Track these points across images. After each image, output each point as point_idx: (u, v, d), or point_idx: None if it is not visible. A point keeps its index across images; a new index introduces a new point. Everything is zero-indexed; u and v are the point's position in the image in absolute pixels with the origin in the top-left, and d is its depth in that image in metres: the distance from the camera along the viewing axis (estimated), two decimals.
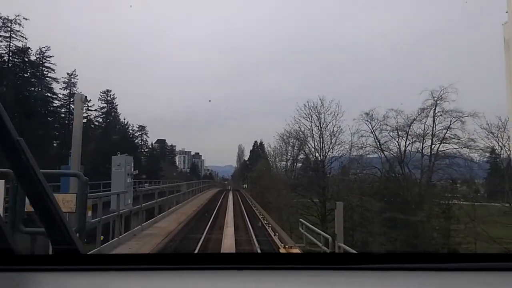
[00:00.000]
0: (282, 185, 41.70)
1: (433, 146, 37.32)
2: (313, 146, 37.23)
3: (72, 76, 64.19)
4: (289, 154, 65.13)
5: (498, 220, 31.92)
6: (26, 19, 48.66)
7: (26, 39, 49.28)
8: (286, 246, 15.95)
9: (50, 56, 55.08)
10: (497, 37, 8.23)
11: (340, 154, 36.47)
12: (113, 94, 74.54)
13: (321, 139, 36.15)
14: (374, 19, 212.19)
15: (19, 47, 49.74)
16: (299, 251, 12.51)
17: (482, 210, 33.76)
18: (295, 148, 50.53)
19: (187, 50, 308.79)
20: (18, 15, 47.83)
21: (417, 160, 38.30)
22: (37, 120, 49.23)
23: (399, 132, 38.11)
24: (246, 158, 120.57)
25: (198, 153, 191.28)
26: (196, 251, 11.04)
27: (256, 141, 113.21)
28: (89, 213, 8.27)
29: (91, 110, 68.45)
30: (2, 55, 49.52)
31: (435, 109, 36.83)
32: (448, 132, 36.82)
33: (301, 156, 44.33)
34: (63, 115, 62.99)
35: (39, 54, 55.97)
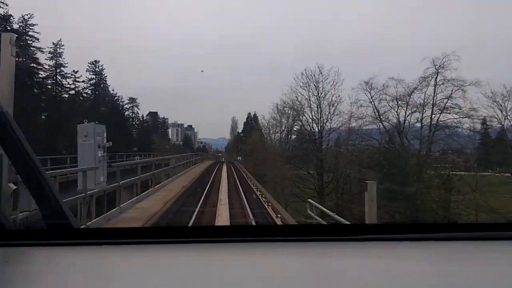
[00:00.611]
0: (277, 157, 39.68)
1: (433, 116, 35.23)
2: (311, 116, 34.82)
3: (58, 46, 60.63)
4: (284, 126, 63.23)
5: (498, 190, 30.63)
6: None
7: (6, 5, 45.97)
8: (279, 216, 14.86)
9: (34, 24, 51.86)
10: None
11: (339, 125, 34.18)
12: (102, 65, 71.03)
13: (319, 109, 33.94)
14: None
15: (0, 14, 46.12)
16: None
17: (482, 181, 32.12)
18: (290, 119, 48.37)
19: (179, 19, 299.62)
20: None
21: (416, 130, 36.36)
22: (23, 92, 46.33)
23: (399, 102, 35.91)
24: (240, 131, 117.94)
25: (191, 125, 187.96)
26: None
27: (249, 113, 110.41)
28: None
29: (78, 82, 65.34)
30: None
31: (436, 77, 34.54)
32: (449, 101, 34.68)
33: (297, 127, 41.87)
34: (49, 87, 60.05)
35: (22, 22, 52.51)
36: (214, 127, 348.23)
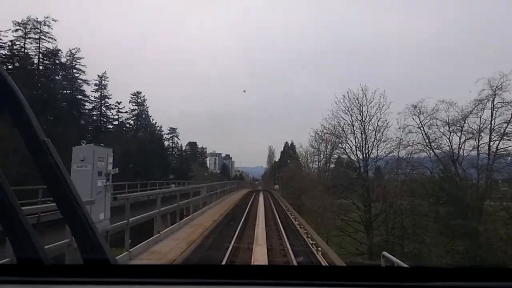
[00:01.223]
0: (317, 185, 36.06)
1: (491, 143, 30.78)
2: (354, 143, 31.29)
3: (103, 78, 61.73)
4: (322, 154, 59.49)
5: None
6: (55, 20, 46.24)
7: (55, 40, 46.85)
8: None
9: (80, 58, 52.59)
10: None
11: (387, 152, 30.34)
12: (143, 96, 71.49)
13: (364, 135, 30.23)
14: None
15: (49, 48, 47.25)
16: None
17: None
18: (329, 147, 44.91)
19: (217, 52, 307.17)
20: (47, 17, 45.53)
21: (472, 158, 31.95)
22: (70, 122, 46.40)
23: (451, 127, 31.82)
24: (277, 159, 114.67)
25: (229, 155, 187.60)
26: None
27: (286, 142, 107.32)
28: None
29: (121, 112, 65.94)
30: (32, 57, 47.06)
31: (493, 100, 30.35)
32: (509, 126, 30.21)
33: (336, 155, 38.13)
34: (95, 118, 60.89)
35: (69, 56, 53.66)
36: (251, 156, 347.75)
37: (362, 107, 30.37)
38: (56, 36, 47.01)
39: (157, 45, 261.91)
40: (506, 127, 29.87)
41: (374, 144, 29.96)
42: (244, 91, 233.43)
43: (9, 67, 42.27)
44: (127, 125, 68.62)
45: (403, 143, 30.40)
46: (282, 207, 31.35)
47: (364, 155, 30.22)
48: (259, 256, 10.29)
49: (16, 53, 44.96)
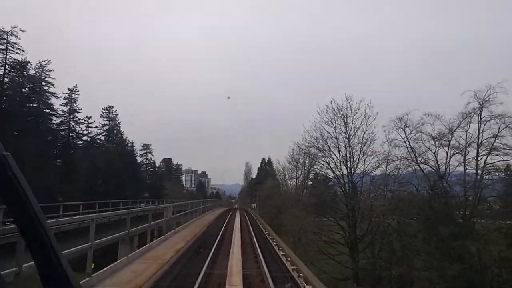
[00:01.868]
0: (297, 204, 32.94)
1: (479, 158, 28.71)
2: (338, 157, 28.24)
3: (73, 92, 57.71)
4: (300, 171, 56.48)
5: None
6: (23, 31, 42.80)
7: (23, 51, 43.55)
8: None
9: (50, 70, 49.08)
10: None
11: (373, 166, 27.45)
12: (115, 111, 67.46)
13: (349, 148, 27.27)
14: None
15: (17, 60, 43.89)
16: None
17: None
18: (307, 161, 42.00)
19: (193, 67, 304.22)
20: (15, 27, 42.18)
21: (459, 174, 29.79)
22: (36, 137, 42.36)
23: (437, 142, 29.63)
24: (254, 176, 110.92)
25: (205, 171, 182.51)
26: None
27: (263, 158, 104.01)
28: None
29: (91, 127, 61.82)
30: None
31: (480, 113, 28.42)
32: (497, 140, 28.25)
33: (317, 170, 35.03)
34: (62, 133, 56.68)
35: (39, 68, 49.84)
36: (228, 173, 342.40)
37: (347, 118, 27.72)
38: (25, 47, 43.76)
39: (132, 61, 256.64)
40: (494, 141, 27.90)
41: (360, 158, 27.18)
42: (229, 98, 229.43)
43: None
44: (98, 141, 64.59)
45: (389, 158, 27.88)
46: (260, 228, 28.10)
47: (349, 170, 27.41)
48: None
49: None
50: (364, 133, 27.67)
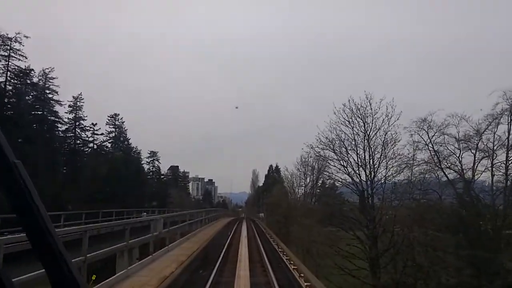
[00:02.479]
0: (308, 214, 29.64)
1: (509, 162, 25.42)
2: (356, 160, 24.90)
3: (78, 100, 55.88)
4: (309, 178, 52.79)
5: None
6: (27, 37, 41.22)
7: (26, 58, 41.71)
8: None
9: (54, 78, 47.18)
10: None
11: (397, 171, 23.95)
12: (121, 118, 65.43)
13: (369, 150, 23.92)
14: None
15: (20, 67, 41.95)
16: None
17: None
18: (319, 167, 38.56)
19: (198, 75, 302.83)
20: (19, 33, 40.55)
21: (485, 180, 26.50)
22: (42, 144, 40.13)
23: (462, 144, 26.38)
24: (261, 184, 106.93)
25: (212, 179, 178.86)
26: None
27: (271, 165, 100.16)
28: None
29: (97, 134, 59.76)
30: None
31: (510, 114, 25.25)
32: None
33: (335, 175, 30.70)
34: (69, 140, 54.66)
35: (42, 75, 47.99)
36: (235, 181, 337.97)
37: (366, 118, 24.46)
38: (28, 54, 41.94)
39: (141, 67, 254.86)
40: None
41: (381, 162, 23.91)
42: (237, 107, 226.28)
43: None
44: (105, 148, 62.51)
45: (411, 162, 24.56)
46: (269, 241, 24.87)
47: (369, 175, 24.11)
48: None
49: None
50: (386, 133, 24.37)
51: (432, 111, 27.00)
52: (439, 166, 25.88)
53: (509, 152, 25.66)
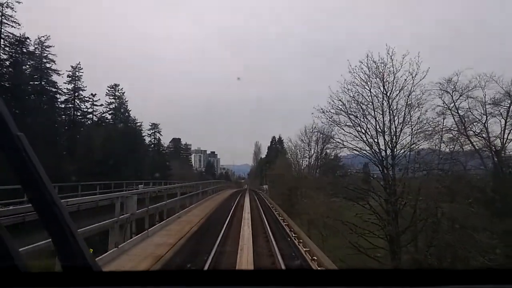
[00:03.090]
0: (319, 186, 26.48)
1: None
2: (374, 125, 20.49)
3: (77, 70, 52.29)
4: (313, 150, 49.67)
5: None
6: (19, 2, 37.57)
7: (19, 25, 38.47)
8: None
9: (50, 46, 43.98)
10: None
11: (421, 137, 20.04)
12: (122, 89, 61.69)
13: (390, 113, 20.09)
14: None
15: (14, 35, 38.81)
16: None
17: None
18: (320, 141, 35.18)
19: (203, 49, 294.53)
20: None
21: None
22: (41, 116, 38.21)
23: (489, 109, 22.86)
24: (263, 156, 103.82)
25: (214, 151, 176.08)
26: None
27: (274, 137, 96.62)
28: None
29: (96, 105, 56.22)
30: None
31: None
32: None
33: (349, 143, 25.12)
34: (68, 112, 51.00)
35: (38, 44, 43.73)
36: (237, 153, 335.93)
37: (388, 76, 19.96)
38: (21, 21, 38.46)
39: (142, 40, 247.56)
40: None
41: (403, 127, 19.77)
42: (239, 79, 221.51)
43: None
44: (105, 120, 59.08)
45: (437, 129, 20.78)
46: (274, 215, 21.77)
47: (387, 142, 19.86)
48: None
49: None
50: (410, 94, 19.84)
51: (458, 70, 23.24)
52: (465, 133, 22.42)
53: None
